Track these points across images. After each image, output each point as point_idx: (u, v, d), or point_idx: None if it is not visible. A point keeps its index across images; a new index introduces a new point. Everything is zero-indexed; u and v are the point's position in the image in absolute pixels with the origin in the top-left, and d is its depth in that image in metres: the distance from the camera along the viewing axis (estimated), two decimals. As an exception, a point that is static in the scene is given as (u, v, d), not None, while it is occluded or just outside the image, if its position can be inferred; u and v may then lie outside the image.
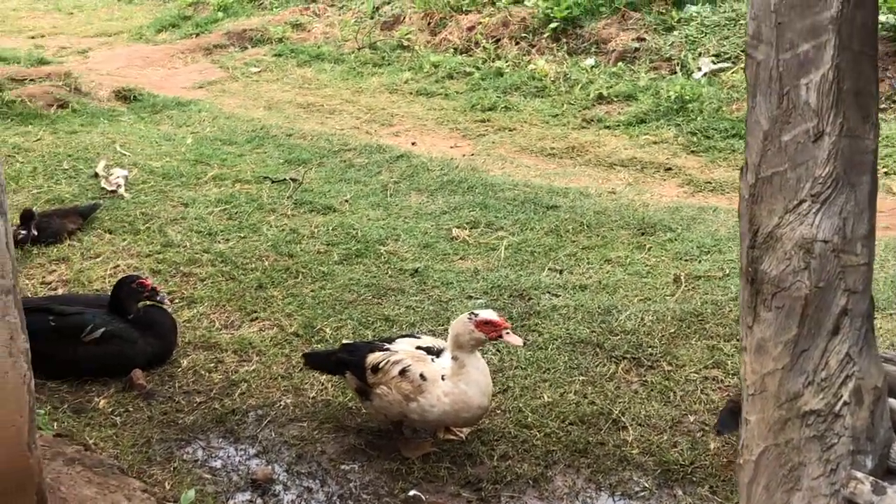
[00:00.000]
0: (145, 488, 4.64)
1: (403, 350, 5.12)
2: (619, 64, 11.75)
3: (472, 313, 4.90)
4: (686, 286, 6.70)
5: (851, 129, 2.63)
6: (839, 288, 2.69)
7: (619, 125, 10.44)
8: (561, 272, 7.03)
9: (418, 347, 5.15)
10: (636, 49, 11.91)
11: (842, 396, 2.70)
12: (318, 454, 5.17)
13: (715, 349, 5.89)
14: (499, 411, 5.44)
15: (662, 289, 6.67)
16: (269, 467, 5.07)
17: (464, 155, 9.76)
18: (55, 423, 5.31)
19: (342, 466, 5.07)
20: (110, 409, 5.57)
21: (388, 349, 5.14)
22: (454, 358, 4.95)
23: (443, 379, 4.96)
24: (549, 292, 6.70)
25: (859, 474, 2.78)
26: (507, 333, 4.87)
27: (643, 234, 7.60)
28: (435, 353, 5.11)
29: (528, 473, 4.93)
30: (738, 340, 5.92)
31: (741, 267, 2.87)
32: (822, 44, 2.58)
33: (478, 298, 6.64)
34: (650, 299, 6.55)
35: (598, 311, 6.40)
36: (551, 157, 9.77)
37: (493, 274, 6.99)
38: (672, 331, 6.13)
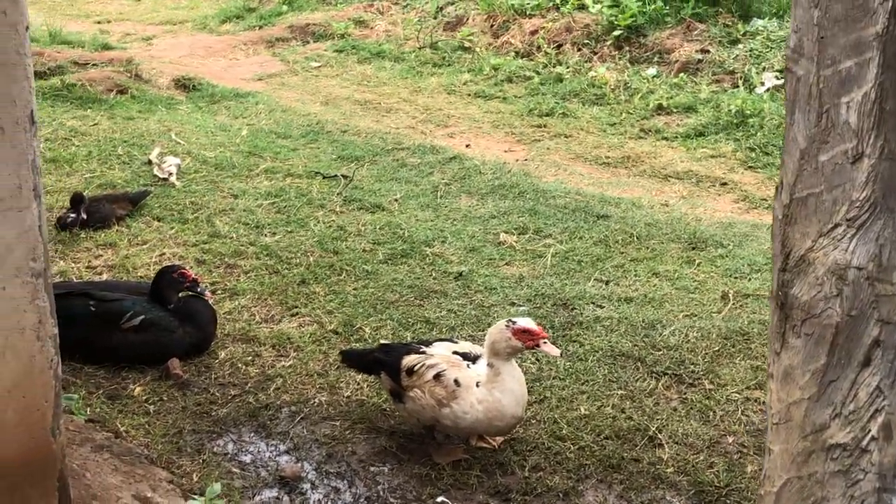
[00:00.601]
0: (171, 479, 4.62)
1: (440, 354, 5.06)
2: (681, 75, 11.60)
3: (510, 320, 4.83)
4: (734, 304, 6.57)
5: (893, 151, 2.51)
6: (872, 318, 2.58)
7: (676, 137, 10.29)
8: (607, 283, 6.93)
9: (455, 352, 5.08)
10: (699, 61, 11.75)
11: (870, 431, 2.59)
12: (349, 454, 5.12)
13: (759, 370, 5.76)
14: (533, 421, 5.35)
15: (709, 305, 6.55)
16: (299, 465, 5.04)
17: (517, 160, 9.67)
18: (88, 409, 5.31)
19: (371, 468, 5.02)
20: (144, 398, 5.56)
21: (424, 352, 5.08)
22: (490, 365, 4.88)
23: (477, 386, 4.89)
24: (593, 303, 6.60)
25: None
26: (545, 343, 4.80)
27: (693, 248, 7.47)
28: (471, 359, 5.04)
29: (558, 486, 4.85)
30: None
31: (771, 290, 2.77)
32: (866, 61, 2.46)
33: (520, 305, 6.56)
34: (696, 315, 6.43)
35: (642, 324, 6.29)
36: (606, 165, 9.66)
37: (537, 281, 6.90)
38: (716, 349, 6.02)
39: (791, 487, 2.71)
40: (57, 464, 3.74)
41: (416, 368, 5.01)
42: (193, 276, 6.04)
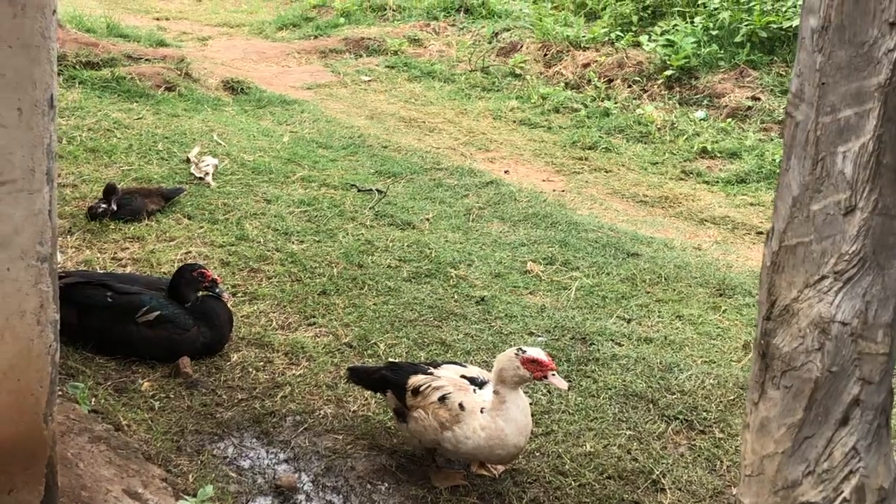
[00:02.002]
0: (165, 477, 4.59)
1: (447, 377, 5.01)
2: (729, 120, 11.50)
3: (520, 349, 4.77)
4: (754, 354, 6.46)
5: (887, 207, 2.43)
6: (853, 375, 2.50)
7: (717, 182, 10.20)
8: (629, 321, 6.85)
9: (463, 376, 5.03)
10: (749, 107, 11.65)
11: (842, 492, 2.50)
12: (348, 469, 5.07)
13: (772, 423, 5.64)
14: (537, 454, 5.29)
15: (730, 353, 6.45)
16: (296, 475, 4.99)
17: (554, 190, 9.62)
18: (93, 399, 5.30)
19: (368, 485, 4.97)
20: (151, 393, 5.55)
21: (431, 373, 5.04)
22: (496, 392, 4.82)
23: (482, 412, 4.83)
24: (612, 340, 6.52)
25: None
26: (553, 375, 4.73)
27: (721, 294, 7.38)
28: (479, 384, 4.98)
29: (554, 522, 4.78)
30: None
31: (755, 338, 2.69)
32: (866, 112, 2.39)
33: (538, 336, 6.50)
34: (715, 362, 6.33)
35: (659, 366, 6.21)
36: (643, 204, 9.59)
37: (559, 313, 6.84)
38: (731, 398, 5.92)
39: (760, 544, 2.64)
40: (47, 450, 3.72)
41: (421, 389, 4.96)
42: (213, 276, 6.03)
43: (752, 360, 2.74)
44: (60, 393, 5.22)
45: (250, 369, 5.89)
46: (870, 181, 2.41)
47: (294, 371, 5.90)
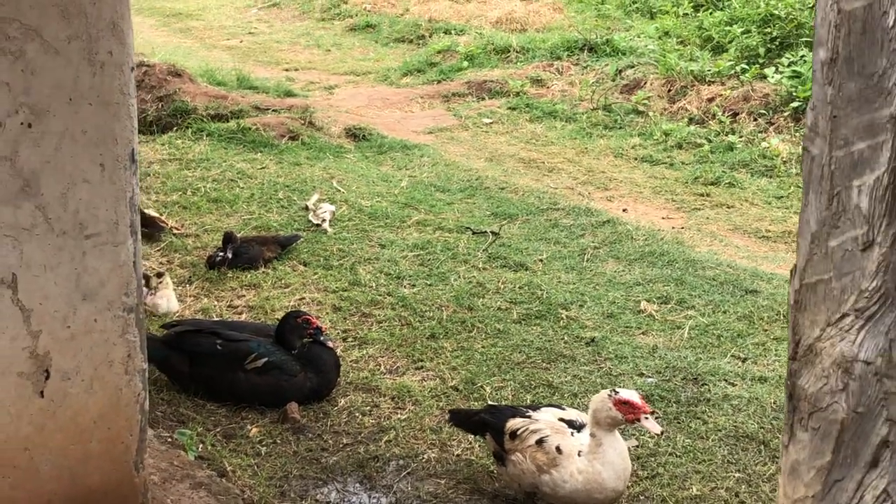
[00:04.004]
0: (263, 522, 4.65)
1: (544, 420, 4.98)
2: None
3: (614, 390, 4.71)
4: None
5: None
6: (881, 416, 2.39)
7: None
8: (744, 361, 6.69)
9: (561, 419, 4.99)
10: (878, 138, 11.30)
11: None
12: (448, 514, 5.07)
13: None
14: (642, 497, 5.20)
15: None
16: (396, 520, 5.01)
17: (673, 227, 9.48)
18: (200, 446, 5.41)
19: (468, 530, 4.96)
20: (259, 439, 5.64)
21: (529, 416, 5.01)
22: (592, 435, 4.77)
23: (579, 455, 4.78)
24: (725, 380, 6.38)
25: None
26: (646, 419, 4.65)
27: None
28: (577, 427, 4.94)
29: (655, 568, 4.68)
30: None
31: (785, 380, 2.60)
32: (879, 144, 2.30)
33: (649, 377, 6.40)
34: (832, 402, 6.13)
35: (773, 406, 6.05)
36: (765, 239, 9.37)
37: (671, 353, 6.72)
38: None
39: (794, 592, 2.53)
40: (139, 497, 3.82)
41: (519, 432, 4.94)
42: (318, 324, 6.10)
43: (784, 402, 2.65)
44: (169, 440, 5.35)
45: (357, 414, 5.94)
46: (887, 215, 2.33)
47: (399, 415, 5.93)
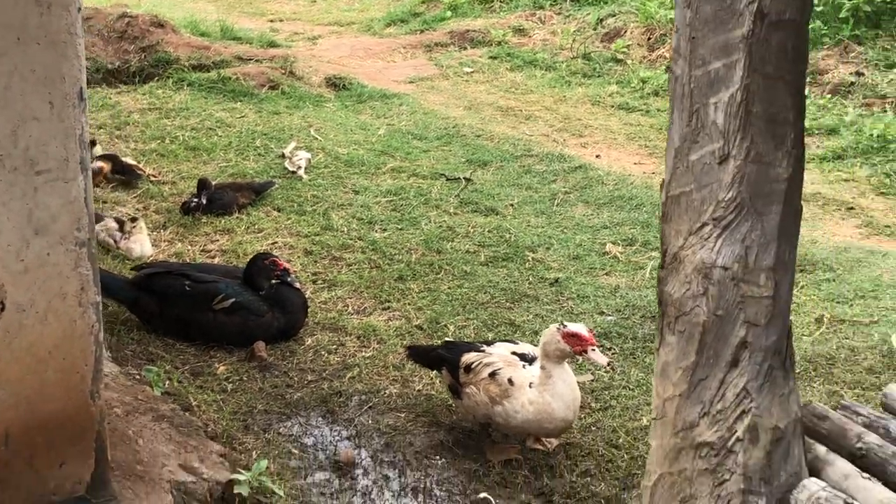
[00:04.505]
0: (223, 453, 4.81)
1: (498, 353, 5.14)
2: (829, 96, 11.28)
3: (562, 324, 4.87)
4: (826, 328, 6.41)
5: (760, 154, 2.47)
6: (738, 319, 2.55)
7: (813, 158, 10.00)
8: (704, 299, 6.83)
9: (513, 353, 5.15)
10: (851, 83, 11.41)
11: (735, 432, 2.55)
12: (406, 445, 5.24)
13: (835, 395, 5.61)
14: (594, 428, 5.37)
15: (801, 328, 6.40)
16: (355, 451, 5.18)
17: (644, 172, 9.61)
18: (167, 382, 5.56)
19: (424, 460, 5.13)
20: (225, 377, 5.80)
21: (483, 351, 5.17)
22: (542, 367, 4.93)
23: (530, 386, 4.95)
24: (683, 318, 6.52)
25: None
26: (593, 350, 4.81)
27: (801, 270, 7.29)
28: (528, 360, 5.10)
29: (602, 493, 4.86)
30: (862, 389, 5.66)
31: (656, 287, 2.77)
32: (733, 63, 2.44)
33: (608, 315, 6.56)
34: (786, 337, 6.29)
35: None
36: (735, 183, 9.49)
37: (632, 293, 6.88)
38: (798, 371, 5.88)
39: (663, 483, 2.70)
40: (94, 425, 3.97)
41: (473, 366, 5.10)
42: (284, 265, 6.25)
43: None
44: (137, 377, 5.52)
45: (322, 352, 6.10)
46: (741, 130, 2.47)
47: (364, 353, 6.10)
